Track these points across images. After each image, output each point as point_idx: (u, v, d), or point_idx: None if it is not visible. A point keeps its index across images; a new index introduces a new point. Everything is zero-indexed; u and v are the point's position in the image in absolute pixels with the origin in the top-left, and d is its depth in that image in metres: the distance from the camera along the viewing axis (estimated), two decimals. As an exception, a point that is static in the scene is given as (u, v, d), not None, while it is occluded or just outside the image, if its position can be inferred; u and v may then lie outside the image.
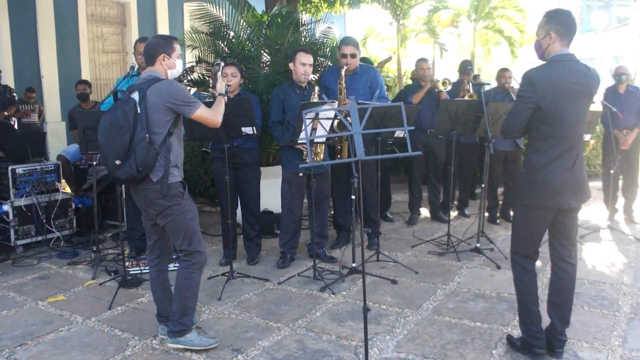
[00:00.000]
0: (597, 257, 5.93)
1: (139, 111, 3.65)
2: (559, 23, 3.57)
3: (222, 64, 4.38)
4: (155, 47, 3.87)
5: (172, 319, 3.94)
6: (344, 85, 5.72)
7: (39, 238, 6.45)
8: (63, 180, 7.10)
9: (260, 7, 9.40)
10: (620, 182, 7.50)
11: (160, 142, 3.72)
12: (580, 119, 3.54)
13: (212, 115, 3.96)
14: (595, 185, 8.95)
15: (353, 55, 5.80)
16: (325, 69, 6.90)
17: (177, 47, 3.94)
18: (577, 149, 3.58)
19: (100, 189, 6.96)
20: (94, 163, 5.66)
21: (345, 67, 5.74)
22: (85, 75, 10.68)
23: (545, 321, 3.77)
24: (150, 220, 3.96)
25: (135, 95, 3.71)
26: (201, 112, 3.86)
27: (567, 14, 3.62)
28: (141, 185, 3.77)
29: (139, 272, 5.45)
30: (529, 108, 3.53)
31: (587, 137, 6.56)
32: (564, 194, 3.54)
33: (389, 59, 13.39)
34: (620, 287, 5.06)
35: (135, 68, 5.87)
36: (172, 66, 3.91)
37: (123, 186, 6.15)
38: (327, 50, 7.74)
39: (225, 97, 4.23)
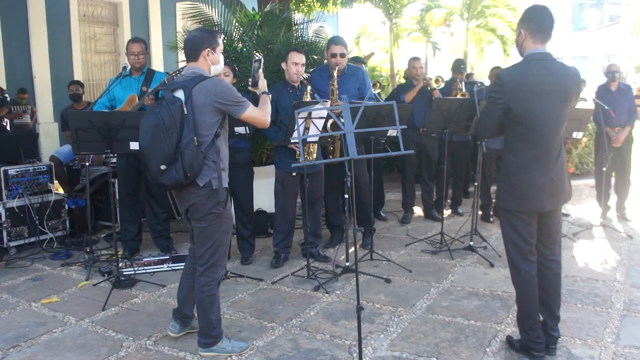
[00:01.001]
0: (589, 254, 5.95)
1: (185, 112, 3.46)
2: (529, 20, 3.56)
3: (262, 60, 4.23)
4: (198, 41, 3.66)
5: (200, 333, 3.87)
6: (336, 85, 5.72)
7: (32, 239, 6.41)
8: (56, 181, 7.09)
9: (252, 7, 9.39)
10: (613, 180, 7.53)
11: (207, 145, 3.54)
12: (556, 120, 3.51)
13: (262, 115, 3.74)
14: (588, 182, 9.02)
15: (342, 55, 5.79)
16: (313, 69, 6.89)
17: (221, 41, 3.78)
18: (555, 151, 3.54)
19: (93, 189, 6.95)
20: (87, 164, 5.64)
21: (336, 67, 5.73)
22: (78, 75, 10.64)
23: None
24: (191, 223, 3.84)
25: (180, 94, 3.52)
26: (250, 112, 3.65)
27: (537, 10, 3.58)
28: (186, 189, 3.61)
29: (133, 272, 5.44)
30: (499, 109, 3.54)
31: (579, 135, 6.58)
32: (540, 198, 3.52)
33: (371, 55, 13.45)
34: (613, 284, 5.08)
35: (128, 68, 5.87)
36: (216, 62, 3.73)
37: (116, 187, 6.16)
38: (320, 49, 7.74)
39: (270, 95, 4.00)
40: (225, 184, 3.69)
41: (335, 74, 5.70)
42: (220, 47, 3.75)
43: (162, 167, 3.46)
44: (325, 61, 6.09)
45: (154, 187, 6.10)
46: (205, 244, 3.72)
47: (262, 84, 4.06)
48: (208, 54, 3.65)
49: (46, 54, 10.29)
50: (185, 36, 7.91)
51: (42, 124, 10.31)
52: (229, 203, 3.76)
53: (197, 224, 3.70)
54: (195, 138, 3.45)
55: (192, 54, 3.67)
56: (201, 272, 3.77)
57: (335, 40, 5.92)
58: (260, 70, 4.10)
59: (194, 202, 3.63)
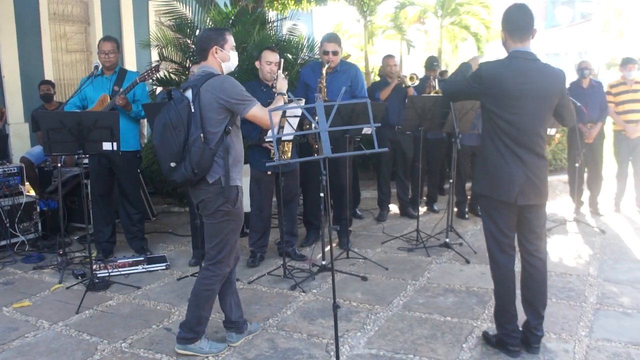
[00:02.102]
0: (563, 249, 6.01)
1: (192, 110, 3.51)
2: (505, 20, 3.63)
3: (282, 60, 4.19)
4: (205, 39, 3.72)
5: (183, 326, 3.84)
6: (324, 84, 5.69)
7: (3, 242, 6.30)
8: (27, 183, 6.97)
9: (225, 3, 9.33)
10: (586, 175, 7.62)
11: (216, 142, 3.57)
12: (530, 119, 3.52)
13: (268, 115, 3.61)
14: (561, 178, 9.12)
15: (335, 53, 5.77)
16: (303, 65, 6.83)
17: (230, 38, 3.77)
18: (535, 149, 3.55)
19: (66, 191, 6.86)
20: (59, 165, 5.56)
21: (327, 65, 5.70)
22: (49, 75, 10.46)
23: (523, 317, 3.79)
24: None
25: (189, 93, 3.58)
26: (255, 112, 3.62)
27: (512, 9, 3.63)
28: (196, 186, 3.66)
29: (107, 274, 5.37)
30: (469, 92, 3.72)
31: (552, 131, 6.65)
32: (512, 189, 3.54)
33: (348, 56, 13.46)
34: (587, 278, 5.14)
35: (100, 68, 5.79)
36: (226, 59, 3.74)
37: (88, 187, 6.08)
38: (295, 47, 7.73)
39: (285, 97, 4.01)
40: (237, 182, 3.71)
41: (324, 71, 5.67)
42: (230, 44, 3.76)
43: (172, 164, 3.52)
44: (303, 59, 6.06)
45: (127, 188, 6.04)
46: (212, 240, 3.75)
47: (280, 84, 4.14)
48: (216, 52, 3.68)
49: (15, 53, 10.10)
50: (157, 35, 7.92)
51: (12, 124, 10.11)
52: (239, 202, 3.74)
53: (207, 219, 3.75)
54: (201, 135, 3.49)
55: (202, 53, 3.73)
56: (206, 266, 3.79)
57: (328, 38, 5.89)
58: (280, 71, 4.12)
59: (204, 199, 3.67)
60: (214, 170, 3.59)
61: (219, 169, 3.60)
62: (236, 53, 3.83)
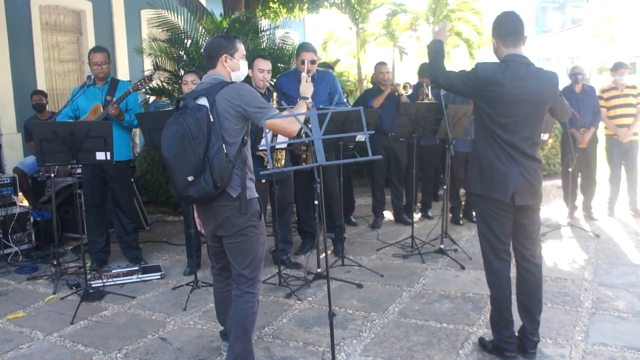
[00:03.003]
0: (558, 254, 6.02)
1: (211, 119, 3.26)
2: (495, 27, 3.66)
3: (307, 61, 4.03)
4: (215, 47, 3.52)
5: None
6: None
7: (-4, 253, 6.28)
8: (20, 193, 6.95)
9: (218, 14, 9.34)
10: (579, 180, 7.64)
11: (235, 153, 3.34)
12: (524, 122, 3.53)
13: (287, 122, 3.42)
14: (555, 183, 9.14)
15: (312, 62, 5.79)
16: (280, 74, 6.86)
17: (241, 46, 3.59)
18: (529, 150, 3.57)
19: (59, 201, 6.83)
20: (52, 175, 5.54)
21: (305, 74, 5.71)
22: (41, 85, 10.46)
23: (518, 322, 3.79)
24: (218, 243, 3.60)
25: (204, 102, 3.32)
26: (274, 120, 3.39)
27: (502, 16, 3.68)
28: (216, 202, 3.36)
29: (101, 284, 5.35)
30: (463, 90, 3.68)
31: (545, 136, 6.67)
32: (507, 188, 3.54)
33: (337, 61, 13.54)
34: (582, 282, 5.15)
35: (92, 78, 5.78)
36: (236, 68, 3.55)
37: (82, 198, 6.06)
38: (287, 55, 7.74)
39: (309, 102, 3.77)
40: (255, 194, 3.49)
41: (303, 75, 5.68)
42: (240, 52, 3.57)
43: (190, 178, 3.22)
44: (293, 66, 6.07)
45: (121, 197, 6.02)
46: (244, 260, 3.48)
47: (303, 88, 3.97)
48: (226, 60, 3.50)
49: (7, 63, 10.09)
50: (151, 44, 7.91)
51: (4, 134, 10.10)
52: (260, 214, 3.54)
53: (233, 239, 3.45)
54: (223, 146, 3.26)
55: (210, 62, 3.54)
56: (243, 290, 3.51)
57: (305, 47, 5.91)
58: (304, 74, 3.94)
59: (228, 216, 3.38)
60: (235, 184, 3.36)
61: (240, 182, 3.38)
62: (246, 62, 3.66)
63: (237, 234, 3.42)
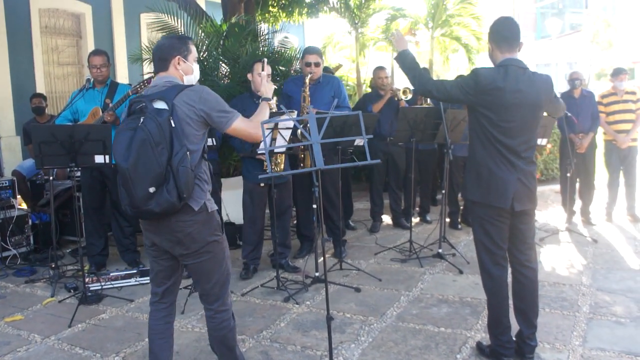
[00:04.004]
0: (556, 259, 6.03)
1: (173, 124, 2.94)
2: (493, 32, 3.67)
3: (265, 59, 3.77)
4: (167, 48, 3.21)
5: None
6: (308, 93, 5.73)
7: (-5, 256, 6.28)
8: (19, 196, 6.95)
9: (218, 18, 9.36)
10: (577, 185, 7.65)
11: (196, 162, 3.06)
12: (522, 127, 3.55)
13: (252, 127, 3.22)
14: (553, 188, 9.16)
15: (317, 64, 5.82)
16: (286, 78, 6.90)
17: (194, 49, 3.30)
18: (525, 155, 3.58)
19: (58, 204, 6.84)
20: (51, 178, 5.55)
21: (309, 76, 5.74)
22: (40, 88, 10.46)
23: (515, 327, 3.80)
24: (167, 262, 3.28)
25: (162, 105, 2.99)
26: (239, 124, 3.15)
27: (499, 21, 3.68)
28: (176, 217, 3.04)
29: (100, 288, 5.35)
30: (459, 97, 3.62)
31: (543, 141, 6.68)
32: (506, 194, 3.55)
33: (339, 67, 13.56)
34: (580, 287, 5.15)
35: (91, 81, 5.79)
36: (189, 71, 3.25)
37: (80, 200, 6.06)
38: (286, 60, 7.75)
39: (272, 103, 3.48)
40: (215, 207, 3.22)
41: (307, 80, 5.71)
42: (194, 55, 3.30)
43: (151, 189, 2.89)
44: (295, 71, 6.09)
45: (119, 200, 6.01)
46: (211, 278, 3.23)
47: (265, 88, 3.65)
48: (179, 62, 3.20)
49: (7, 66, 10.09)
50: (150, 47, 7.91)
51: (3, 137, 10.07)
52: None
53: (196, 259, 3.17)
54: (187, 153, 2.96)
55: (161, 64, 3.21)
56: (216, 310, 3.29)
57: (309, 50, 5.94)
58: (264, 73, 3.65)
59: (190, 232, 3.08)
60: (197, 196, 3.07)
61: (201, 194, 3.10)
62: (198, 66, 3.39)
63: (200, 252, 3.15)
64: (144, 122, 2.92)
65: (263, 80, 3.57)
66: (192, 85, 3.16)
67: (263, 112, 3.38)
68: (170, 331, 3.40)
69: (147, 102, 3.00)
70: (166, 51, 3.20)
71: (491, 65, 3.73)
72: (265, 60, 3.83)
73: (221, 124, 3.12)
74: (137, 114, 2.98)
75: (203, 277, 3.24)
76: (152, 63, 7.37)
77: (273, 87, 3.69)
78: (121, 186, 3.00)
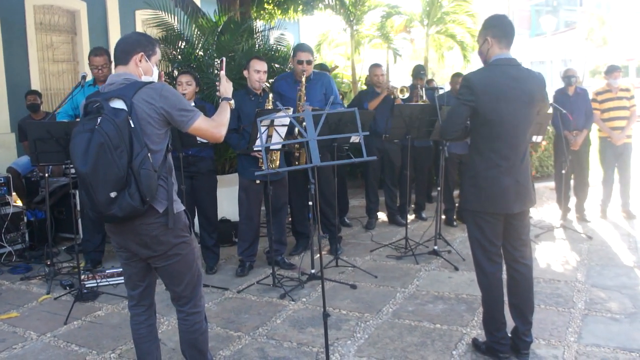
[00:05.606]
0: (551, 255, 6.05)
1: (132, 125, 2.80)
2: (494, 27, 3.64)
3: (224, 59, 3.74)
4: (132, 42, 3.06)
5: None
6: (304, 91, 5.73)
7: (-10, 253, 6.27)
8: (14, 193, 6.93)
9: (215, 12, 9.34)
10: (572, 182, 7.67)
11: (160, 162, 2.95)
12: (521, 123, 3.56)
13: (214, 126, 3.08)
14: (548, 185, 9.18)
15: (309, 62, 5.82)
16: (277, 76, 6.90)
17: (159, 52, 3.19)
18: (521, 153, 3.60)
19: (53, 201, 6.82)
20: (46, 175, 5.54)
21: (304, 75, 5.74)
22: (35, 85, 10.44)
23: (511, 323, 3.80)
24: (138, 264, 3.17)
25: (120, 104, 2.84)
26: (200, 124, 3.00)
27: (500, 18, 3.70)
28: (140, 220, 2.93)
29: (95, 284, 5.35)
30: (466, 110, 3.58)
31: (538, 138, 6.70)
32: (506, 199, 3.57)
33: (336, 67, 13.61)
34: (575, 284, 5.17)
35: (88, 79, 5.77)
36: (149, 72, 3.09)
37: (77, 197, 6.05)
38: (282, 57, 7.75)
39: (232, 103, 3.36)
40: (183, 207, 3.12)
41: (304, 79, 5.71)
42: (157, 57, 3.16)
43: (112, 194, 2.77)
44: (288, 68, 6.09)
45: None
46: (181, 280, 3.14)
47: (224, 88, 3.47)
48: (141, 60, 3.05)
49: (2, 63, 10.07)
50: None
51: (-2, 134, 10.10)
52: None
53: (164, 261, 3.08)
54: (149, 155, 2.84)
55: (122, 57, 3.04)
56: (188, 312, 3.22)
57: (301, 47, 5.94)
58: (222, 72, 3.62)
59: (156, 234, 2.98)
60: (161, 197, 2.96)
61: (165, 195, 2.98)
62: (157, 71, 3.21)
63: (168, 254, 3.05)
64: (100, 124, 2.78)
65: (222, 80, 3.50)
66: (151, 83, 2.99)
67: (224, 112, 3.23)
68: (154, 333, 3.36)
69: (103, 102, 2.85)
70: (131, 45, 3.07)
71: (480, 64, 3.75)
72: (224, 59, 3.78)
73: (182, 123, 2.98)
74: (94, 114, 2.83)
75: (173, 279, 3.16)
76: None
77: (231, 86, 3.54)
78: (82, 190, 2.90)
